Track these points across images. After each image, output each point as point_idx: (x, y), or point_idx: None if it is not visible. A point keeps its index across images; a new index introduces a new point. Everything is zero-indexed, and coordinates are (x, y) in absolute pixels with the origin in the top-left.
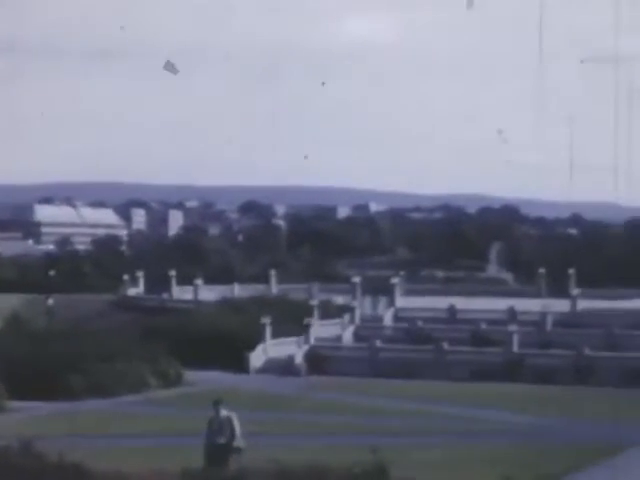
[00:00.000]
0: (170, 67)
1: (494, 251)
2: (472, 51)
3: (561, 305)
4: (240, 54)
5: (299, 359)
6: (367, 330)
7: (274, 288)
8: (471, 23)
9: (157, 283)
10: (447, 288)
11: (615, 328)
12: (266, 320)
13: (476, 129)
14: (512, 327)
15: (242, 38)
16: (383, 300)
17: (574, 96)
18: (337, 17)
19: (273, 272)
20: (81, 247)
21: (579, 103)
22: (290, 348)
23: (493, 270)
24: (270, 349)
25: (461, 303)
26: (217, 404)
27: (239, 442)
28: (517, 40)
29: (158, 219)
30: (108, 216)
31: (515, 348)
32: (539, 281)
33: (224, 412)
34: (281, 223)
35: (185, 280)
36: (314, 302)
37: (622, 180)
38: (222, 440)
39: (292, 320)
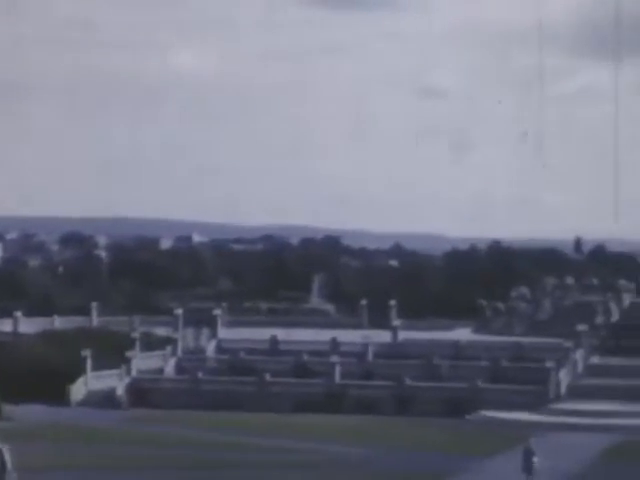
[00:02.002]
0: None
1: (316, 282)
2: (292, 82)
3: (382, 336)
4: (71, 86)
5: (120, 391)
6: (189, 362)
7: (95, 320)
8: (290, 53)
9: None
10: (270, 319)
11: (435, 358)
12: (87, 352)
13: (299, 161)
14: (334, 358)
15: (74, 70)
16: (206, 332)
17: (397, 128)
18: (166, 48)
19: (94, 304)
20: None
21: (402, 135)
22: (111, 380)
23: (315, 301)
24: (91, 382)
25: (284, 334)
26: None
27: (10, 476)
28: (339, 70)
29: None
30: None
31: (337, 379)
32: (361, 312)
33: None
34: (102, 254)
35: (4, 312)
36: (136, 334)
37: (444, 211)
38: None
39: (114, 352)
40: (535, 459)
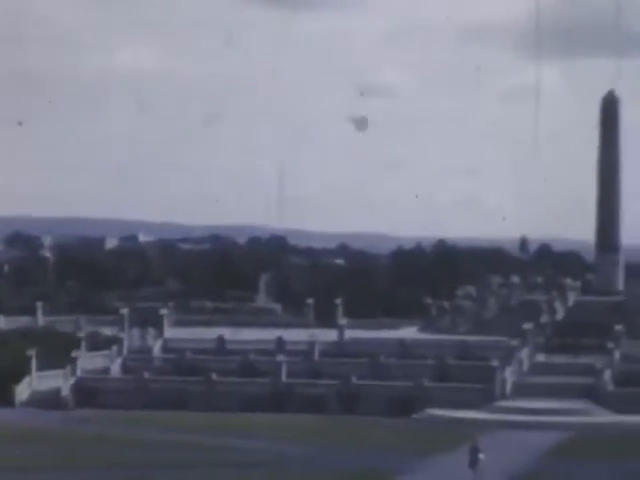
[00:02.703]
0: None
1: (263, 281)
2: (235, 80)
3: (329, 335)
4: (10, 85)
5: (65, 391)
6: (135, 362)
7: (41, 320)
8: (232, 51)
9: None
10: (216, 319)
11: (381, 357)
12: (32, 352)
13: (248, 159)
14: (280, 357)
15: (10, 68)
16: (152, 331)
17: (341, 127)
18: (108, 48)
19: (40, 304)
20: None
21: (346, 134)
22: (57, 380)
23: (262, 300)
24: (36, 382)
25: (230, 334)
26: None
27: None
28: (282, 67)
29: None
30: None
31: (284, 378)
32: (307, 311)
33: None
34: (48, 254)
35: None
36: (81, 334)
37: (390, 210)
38: None
39: (59, 352)
40: (481, 456)
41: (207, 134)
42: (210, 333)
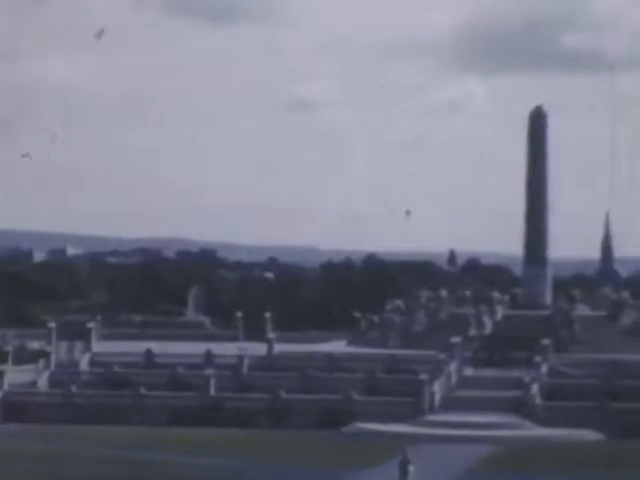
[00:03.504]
0: None
1: (192, 295)
2: (166, 94)
3: (258, 348)
4: None
5: None
6: (63, 375)
7: None
8: (162, 66)
9: None
10: (145, 332)
11: (310, 371)
12: None
13: (174, 173)
14: (209, 371)
15: None
16: (80, 345)
17: (269, 140)
18: (42, 58)
19: None
20: None
21: (274, 147)
22: None
23: (191, 314)
24: None
25: (159, 347)
26: None
27: None
28: (210, 86)
29: None
30: None
31: (212, 392)
32: (236, 325)
33: None
34: None
35: None
36: (8, 347)
37: (318, 224)
38: None
39: None
40: (411, 468)
41: (136, 147)
42: (138, 347)
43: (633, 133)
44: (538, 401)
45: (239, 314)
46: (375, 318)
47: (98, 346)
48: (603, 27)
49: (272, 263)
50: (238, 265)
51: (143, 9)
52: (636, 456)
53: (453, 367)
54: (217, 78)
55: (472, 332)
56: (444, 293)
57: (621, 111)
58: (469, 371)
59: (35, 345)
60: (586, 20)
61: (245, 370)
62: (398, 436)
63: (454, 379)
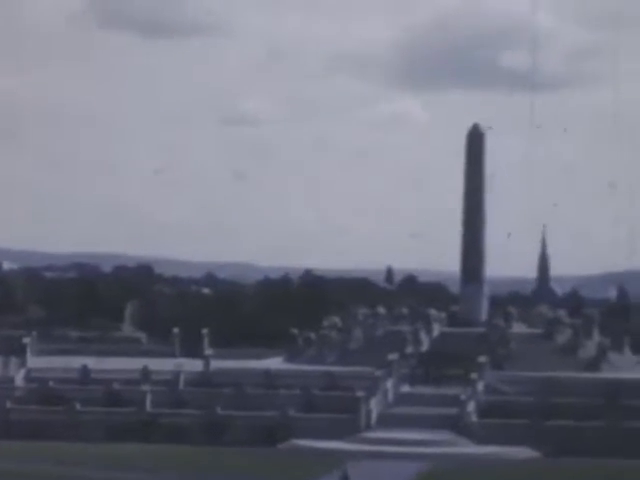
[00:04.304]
0: None
1: (129, 310)
2: (100, 108)
3: (194, 364)
4: None
5: None
6: None
7: None
8: (98, 78)
9: None
10: (81, 347)
11: (247, 387)
12: None
13: (110, 188)
14: (145, 387)
15: None
16: (15, 360)
17: (208, 155)
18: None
19: None
20: None
21: (212, 163)
22: None
23: (128, 329)
24: None
25: (95, 363)
26: None
27: None
28: (149, 100)
29: None
30: None
31: (148, 408)
32: (173, 340)
33: None
34: None
35: None
36: None
37: (255, 240)
38: None
39: None
40: None
41: (72, 161)
42: (74, 362)
43: (575, 151)
44: (474, 418)
45: (176, 330)
46: (312, 335)
47: (33, 361)
48: (538, 45)
49: (209, 279)
50: (175, 281)
51: (79, 24)
52: (570, 473)
53: (390, 384)
54: (156, 92)
55: (409, 349)
56: (381, 310)
57: (558, 129)
58: (406, 388)
59: None
60: (522, 38)
61: (181, 386)
62: (334, 453)
63: (391, 396)
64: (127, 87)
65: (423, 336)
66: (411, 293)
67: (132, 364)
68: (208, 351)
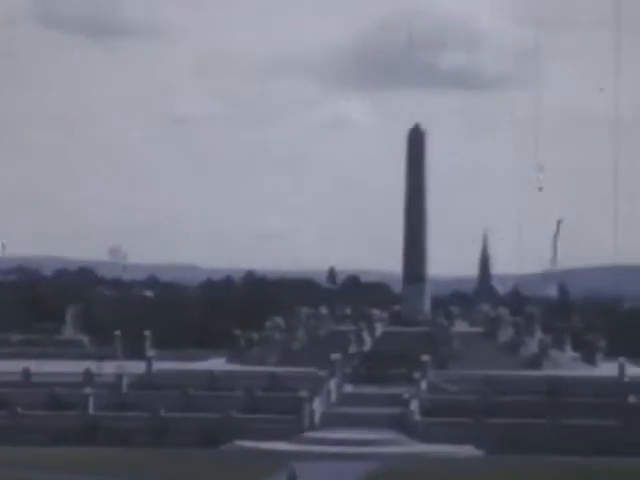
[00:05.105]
0: None
1: (70, 313)
2: (34, 109)
3: (137, 367)
4: None
5: None
6: None
7: None
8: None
9: None
10: (22, 351)
11: (190, 389)
12: None
13: (53, 189)
14: (88, 390)
15: None
16: None
17: (147, 156)
18: None
19: None
20: None
21: (152, 164)
22: None
23: (69, 332)
24: None
25: (37, 366)
26: None
27: None
28: (86, 101)
29: None
30: None
31: (91, 411)
32: (115, 343)
33: None
34: None
35: None
36: None
37: (197, 242)
38: None
39: None
40: None
41: (7, 161)
42: (16, 366)
43: (516, 151)
44: (417, 417)
45: (118, 332)
46: (255, 336)
47: None
48: (477, 46)
49: (152, 281)
50: (117, 283)
51: (13, 21)
52: (512, 471)
53: (333, 384)
54: (93, 93)
55: (352, 349)
56: (324, 310)
57: (501, 129)
58: (349, 388)
59: None
60: (462, 39)
61: (124, 389)
62: (277, 454)
63: (334, 396)
64: (62, 86)
65: (366, 336)
66: (354, 293)
67: (74, 367)
68: (150, 353)
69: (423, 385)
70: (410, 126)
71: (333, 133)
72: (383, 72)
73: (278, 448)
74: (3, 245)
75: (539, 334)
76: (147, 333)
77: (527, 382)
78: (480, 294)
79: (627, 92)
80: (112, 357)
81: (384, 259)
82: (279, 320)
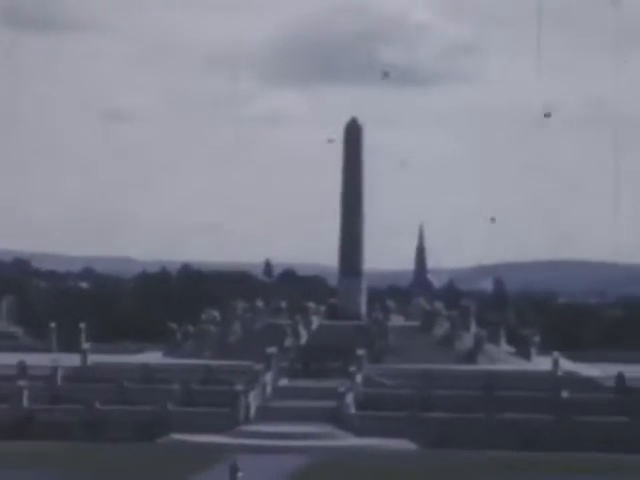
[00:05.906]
0: None
1: (4, 305)
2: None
3: (72, 359)
4: None
5: None
6: None
7: None
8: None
9: None
10: None
11: (125, 382)
12: None
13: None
14: (22, 382)
15: None
16: None
17: (86, 151)
18: None
19: None
20: None
21: (91, 158)
22: None
23: (3, 324)
24: None
25: None
26: None
27: None
28: (28, 96)
29: None
30: None
31: (25, 403)
32: (50, 335)
33: None
34: None
35: None
36: None
37: (133, 234)
38: None
39: None
40: (240, 474)
41: None
42: None
43: (454, 145)
44: (353, 411)
45: (53, 324)
46: (191, 329)
47: None
48: (415, 42)
49: (87, 273)
50: (52, 275)
51: None
52: (445, 465)
53: (269, 377)
54: (35, 88)
55: (288, 342)
56: (260, 303)
57: (437, 124)
58: (285, 381)
59: None
60: (399, 34)
61: (59, 381)
62: (213, 447)
63: (270, 389)
64: (4, 81)
65: (302, 329)
66: (290, 286)
67: (8, 359)
68: (85, 345)
69: (358, 379)
70: (347, 120)
71: (271, 127)
72: (320, 67)
73: (213, 441)
74: None
75: (474, 328)
76: (82, 325)
77: (462, 376)
78: (416, 288)
79: (560, 87)
80: (47, 349)
81: (320, 252)
82: (215, 313)
